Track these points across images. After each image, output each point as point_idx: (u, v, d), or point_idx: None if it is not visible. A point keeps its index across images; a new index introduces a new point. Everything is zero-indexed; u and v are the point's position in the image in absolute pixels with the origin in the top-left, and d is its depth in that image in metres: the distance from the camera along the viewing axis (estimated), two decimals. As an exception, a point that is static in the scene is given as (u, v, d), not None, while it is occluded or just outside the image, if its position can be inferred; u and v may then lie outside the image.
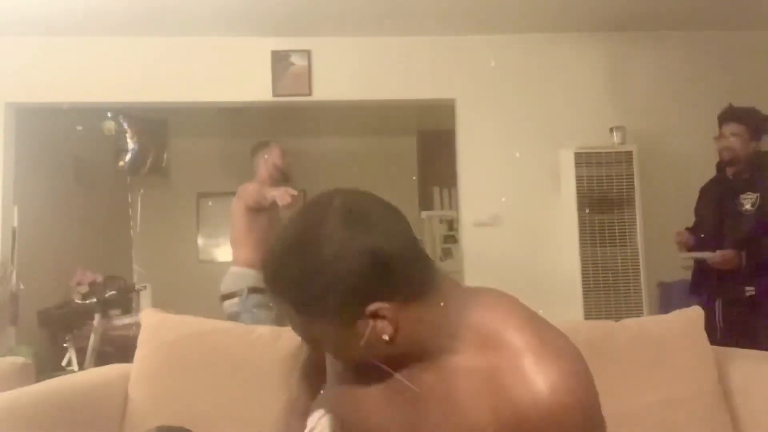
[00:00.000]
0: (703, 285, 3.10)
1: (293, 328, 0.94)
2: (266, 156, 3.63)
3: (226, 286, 3.41)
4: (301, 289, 0.86)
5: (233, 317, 3.27)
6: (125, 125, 4.02)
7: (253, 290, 3.26)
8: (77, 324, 3.74)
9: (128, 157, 4.04)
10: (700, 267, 3.13)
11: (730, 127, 3.06)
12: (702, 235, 3.13)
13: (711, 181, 3.23)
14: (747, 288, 2.89)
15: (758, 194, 2.94)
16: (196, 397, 1.59)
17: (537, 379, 0.80)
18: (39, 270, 4.17)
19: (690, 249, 3.13)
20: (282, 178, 3.62)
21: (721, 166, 3.14)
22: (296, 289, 0.86)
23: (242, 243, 3.44)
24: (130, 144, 4.03)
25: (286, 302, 0.89)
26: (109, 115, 4.04)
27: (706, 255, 3.01)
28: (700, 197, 3.27)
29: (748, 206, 2.95)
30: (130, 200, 4.44)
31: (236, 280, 3.36)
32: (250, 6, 3.63)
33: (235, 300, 3.31)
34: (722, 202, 3.07)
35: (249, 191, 3.47)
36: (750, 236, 2.91)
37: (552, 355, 0.83)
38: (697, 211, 3.26)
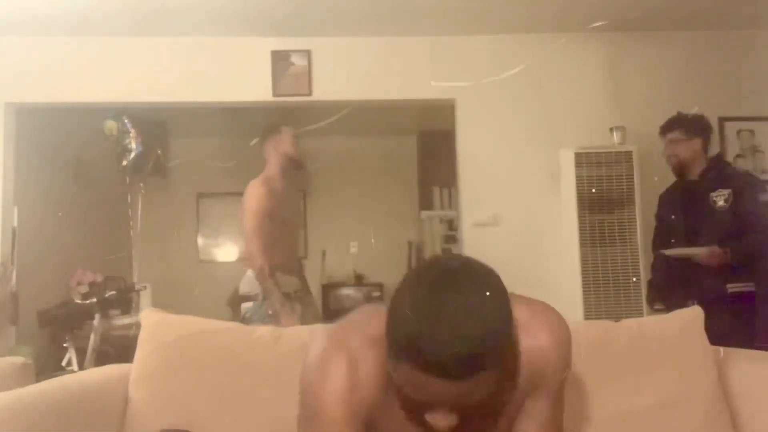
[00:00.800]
0: (676, 286, 3.13)
1: (469, 402, 0.97)
2: (277, 144, 3.38)
3: (243, 289, 3.27)
4: (503, 353, 0.98)
5: (246, 321, 3.15)
6: (129, 125, 4.02)
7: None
8: (77, 324, 3.73)
9: (132, 156, 4.04)
10: (671, 268, 3.17)
11: (667, 137, 3.18)
12: (672, 240, 3.17)
13: (671, 187, 3.29)
14: (729, 285, 2.91)
15: (729, 190, 2.99)
16: (196, 397, 1.59)
17: (546, 334, 1.15)
18: (39, 270, 4.17)
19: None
20: (294, 166, 3.40)
21: (677, 174, 3.21)
22: (499, 355, 0.96)
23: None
24: (134, 144, 4.03)
25: (494, 370, 0.95)
26: (110, 114, 4.03)
27: (692, 251, 3.05)
28: (661, 204, 3.33)
29: (721, 203, 3.00)
30: (129, 200, 4.44)
31: (254, 283, 3.20)
32: (250, 6, 3.63)
33: (250, 303, 3.19)
34: (691, 204, 3.12)
35: (256, 196, 3.23)
36: (728, 232, 2.95)
37: (551, 318, 1.19)
38: (660, 217, 3.31)
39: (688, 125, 3.14)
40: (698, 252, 3.00)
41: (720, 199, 3.00)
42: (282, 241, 3.24)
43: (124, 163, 4.09)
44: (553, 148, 3.93)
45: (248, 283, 3.24)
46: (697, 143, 3.11)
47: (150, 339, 1.67)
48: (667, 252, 3.23)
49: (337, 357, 1.10)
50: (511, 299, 1.02)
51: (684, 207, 3.16)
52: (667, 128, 3.20)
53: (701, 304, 2.82)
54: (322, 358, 1.12)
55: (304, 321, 3.06)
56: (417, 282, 1.00)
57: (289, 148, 3.35)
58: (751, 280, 2.92)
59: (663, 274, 3.26)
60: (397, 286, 1.02)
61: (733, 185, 3.00)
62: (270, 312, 3.07)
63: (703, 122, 3.18)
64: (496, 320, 0.95)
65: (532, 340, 1.12)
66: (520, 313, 1.07)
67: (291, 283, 3.27)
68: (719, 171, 3.10)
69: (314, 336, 1.22)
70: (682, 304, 2.86)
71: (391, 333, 0.96)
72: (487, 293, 0.97)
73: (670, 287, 3.18)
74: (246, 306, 3.20)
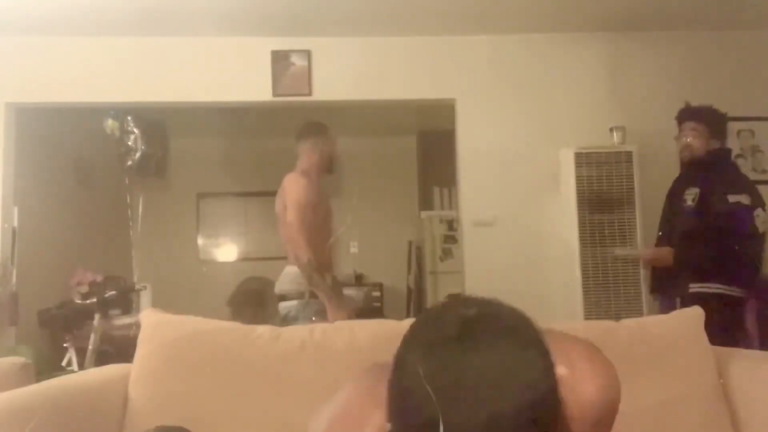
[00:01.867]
0: (662, 284, 3.15)
1: None
2: (321, 142, 3.31)
3: (282, 287, 3.16)
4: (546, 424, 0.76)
5: (288, 321, 3.04)
6: (133, 126, 4.02)
7: (314, 295, 3.03)
8: (77, 324, 3.73)
9: (137, 156, 4.04)
10: (657, 266, 3.18)
11: (689, 125, 3.04)
12: (660, 233, 3.15)
13: (674, 180, 3.24)
14: (691, 285, 2.87)
15: (698, 189, 2.94)
16: (196, 396, 1.59)
17: (592, 386, 0.89)
18: (39, 270, 4.17)
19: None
20: (328, 169, 3.34)
21: (683, 164, 3.14)
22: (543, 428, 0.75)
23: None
24: (139, 144, 4.03)
25: None
26: (111, 114, 4.04)
27: (636, 252, 3.13)
28: (666, 198, 3.29)
29: (689, 202, 2.96)
30: (129, 201, 4.44)
31: (294, 281, 3.10)
32: (250, 6, 3.63)
33: (293, 302, 3.07)
34: (673, 199, 3.10)
35: (300, 188, 3.14)
36: (689, 233, 2.92)
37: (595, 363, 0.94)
38: (663, 210, 3.29)
39: (714, 124, 3.01)
40: (644, 253, 3.02)
41: (689, 198, 2.96)
42: (320, 238, 3.16)
43: (129, 163, 4.08)
44: (553, 148, 3.93)
45: (287, 281, 3.15)
46: (714, 143, 3.02)
47: (150, 339, 1.67)
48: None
49: None
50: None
51: (669, 201, 3.15)
52: (689, 116, 3.05)
53: (683, 303, 2.82)
54: None
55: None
56: (427, 347, 0.75)
57: (332, 148, 3.33)
58: (720, 282, 2.82)
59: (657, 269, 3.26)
60: (398, 351, 0.79)
61: (701, 185, 2.94)
62: (313, 316, 2.98)
63: (723, 120, 3.08)
64: (536, 386, 0.73)
65: (574, 395, 0.87)
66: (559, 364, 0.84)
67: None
68: (701, 168, 3.01)
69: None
70: (669, 302, 2.89)
71: (400, 417, 0.75)
72: (521, 349, 0.75)
73: (658, 284, 3.21)
74: (287, 305, 3.09)
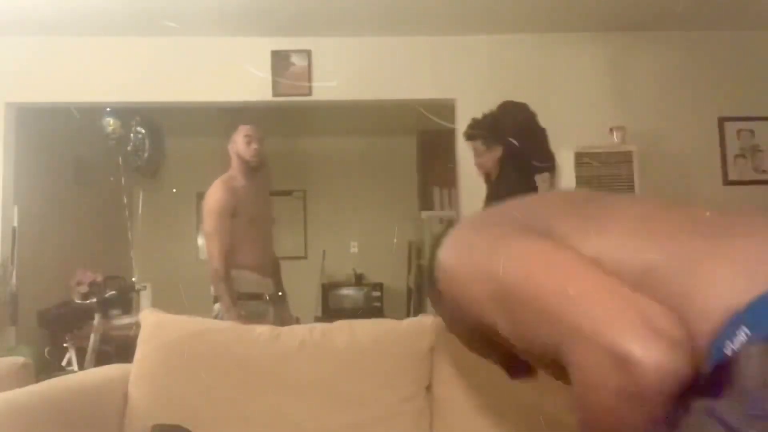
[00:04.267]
0: None
1: None
2: (232, 143, 3.20)
3: (215, 290, 3.08)
4: None
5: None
6: (139, 126, 4.02)
7: (249, 296, 2.99)
8: (77, 324, 3.73)
9: (146, 156, 4.04)
10: None
11: (472, 146, 3.03)
12: None
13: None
14: None
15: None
16: (195, 396, 1.59)
17: None
18: (39, 270, 4.17)
19: None
20: (250, 168, 3.18)
21: (486, 181, 3.10)
22: None
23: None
24: (146, 144, 4.03)
25: None
26: (113, 113, 4.04)
27: None
28: None
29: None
30: (126, 201, 4.44)
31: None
32: (250, 6, 3.63)
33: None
34: None
35: (214, 196, 3.15)
36: None
37: None
38: None
39: (486, 135, 2.97)
40: None
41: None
42: (252, 241, 3.07)
43: (138, 164, 4.08)
44: (553, 148, 3.92)
45: None
46: (498, 151, 2.95)
47: (150, 339, 1.68)
48: None
49: None
50: None
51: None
52: (467, 137, 3.04)
53: None
54: None
55: (276, 324, 2.91)
56: None
57: (240, 147, 3.17)
58: None
59: None
60: None
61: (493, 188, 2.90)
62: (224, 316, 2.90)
63: (504, 126, 2.99)
64: None
65: None
66: None
67: (265, 285, 3.12)
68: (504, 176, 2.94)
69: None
70: None
71: None
72: None
73: None
74: (219, 307, 3.03)
